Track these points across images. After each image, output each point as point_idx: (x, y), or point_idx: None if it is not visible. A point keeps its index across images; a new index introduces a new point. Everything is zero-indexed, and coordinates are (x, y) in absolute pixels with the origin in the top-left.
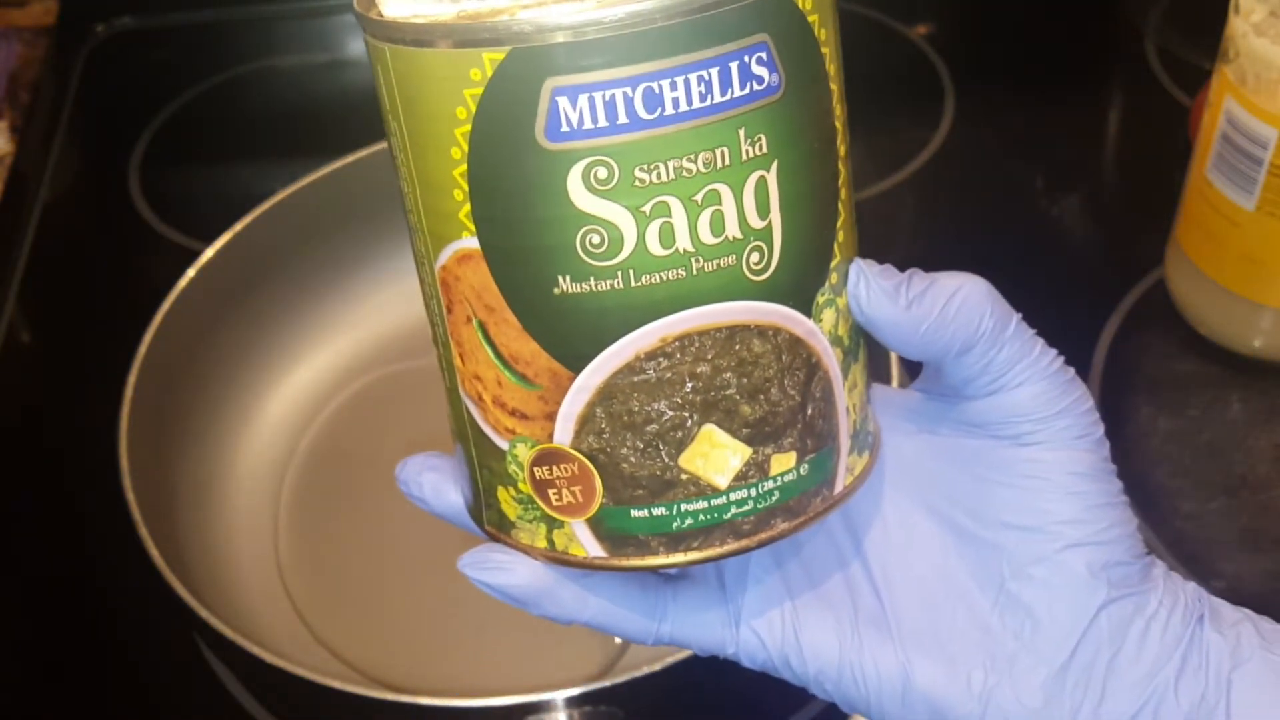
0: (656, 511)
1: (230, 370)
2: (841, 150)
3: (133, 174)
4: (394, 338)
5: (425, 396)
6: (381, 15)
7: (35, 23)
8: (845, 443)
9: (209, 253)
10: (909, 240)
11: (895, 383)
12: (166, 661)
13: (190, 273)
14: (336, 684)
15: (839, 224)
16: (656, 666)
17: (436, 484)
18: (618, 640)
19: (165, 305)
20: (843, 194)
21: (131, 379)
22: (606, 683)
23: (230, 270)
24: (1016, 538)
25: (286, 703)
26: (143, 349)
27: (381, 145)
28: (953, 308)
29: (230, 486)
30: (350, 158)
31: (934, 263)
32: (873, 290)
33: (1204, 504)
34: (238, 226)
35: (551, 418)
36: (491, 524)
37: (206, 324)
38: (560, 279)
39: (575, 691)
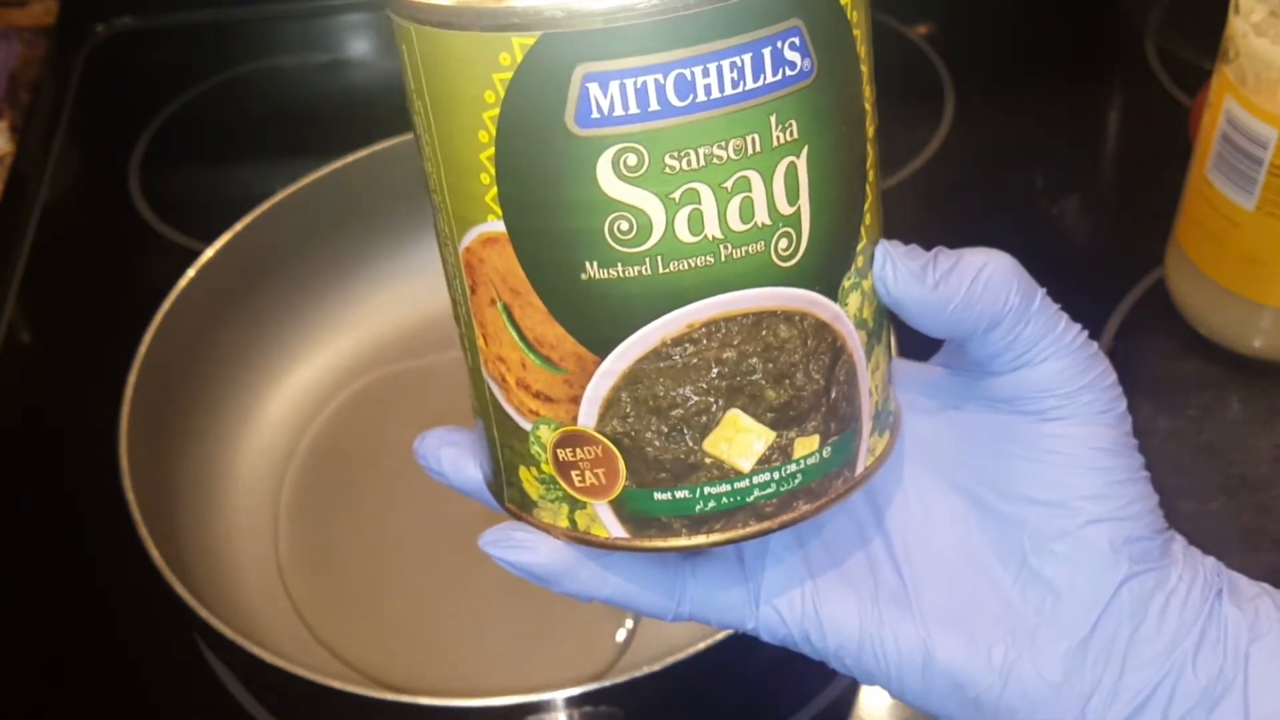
0: (679, 494)
1: (230, 370)
2: (870, 132)
3: (133, 174)
4: (394, 338)
5: (425, 396)
6: None
7: (35, 23)
8: (867, 424)
9: (209, 253)
10: (909, 241)
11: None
12: (166, 661)
13: (190, 273)
14: (336, 684)
15: (866, 207)
16: (656, 666)
17: (456, 459)
18: (618, 639)
19: (165, 305)
20: (870, 176)
21: (131, 379)
22: (606, 683)
23: (230, 270)
24: (1038, 513)
25: (286, 703)
26: (143, 349)
27: (382, 145)
28: (979, 285)
29: (230, 486)
30: (350, 158)
31: None
32: (899, 272)
33: (1204, 504)
34: (238, 226)
35: (576, 401)
36: (512, 502)
37: (206, 324)
38: (588, 264)
39: (575, 691)
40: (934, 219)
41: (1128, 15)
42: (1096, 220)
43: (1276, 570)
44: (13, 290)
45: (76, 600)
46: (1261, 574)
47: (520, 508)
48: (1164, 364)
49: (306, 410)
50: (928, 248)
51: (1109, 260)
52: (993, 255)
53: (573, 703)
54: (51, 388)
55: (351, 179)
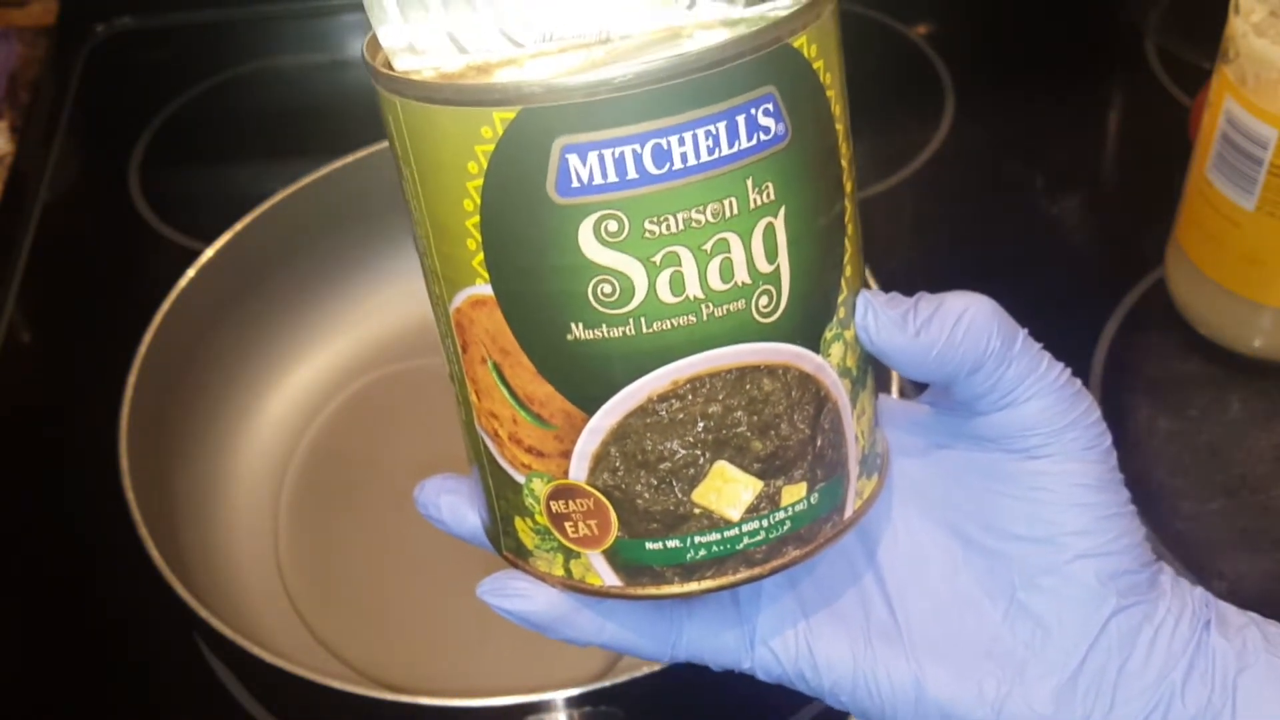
0: (670, 544)
1: (230, 370)
2: (848, 187)
3: (133, 174)
4: (394, 338)
5: (425, 396)
6: (391, 69)
7: (35, 23)
8: (854, 469)
9: (209, 253)
10: (909, 241)
11: (895, 392)
12: (166, 661)
13: (190, 273)
14: (336, 684)
15: (845, 259)
16: (656, 667)
17: (455, 506)
18: None
19: (165, 305)
20: (849, 229)
21: (131, 379)
22: (606, 683)
23: (230, 270)
24: (1026, 549)
25: (286, 703)
26: (143, 349)
27: (382, 145)
28: (960, 330)
29: (230, 486)
30: (350, 158)
31: (933, 264)
32: (881, 321)
33: (1204, 504)
34: (238, 226)
35: (567, 455)
36: (509, 550)
37: (206, 324)
38: (573, 325)
39: (575, 691)
40: (934, 219)
41: (1128, 15)
42: (1097, 220)
43: (1276, 571)
44: (13, 290)
45: (76, 600)
46: (1261, 575)
47: (517, 555)
48: (1164, 364)
49: (306, 410)
50: (928, 248)
51: (1109, 260)
52: (973, 300)
53: (573, 703)
54: (51, 388)
55: (351, 179)
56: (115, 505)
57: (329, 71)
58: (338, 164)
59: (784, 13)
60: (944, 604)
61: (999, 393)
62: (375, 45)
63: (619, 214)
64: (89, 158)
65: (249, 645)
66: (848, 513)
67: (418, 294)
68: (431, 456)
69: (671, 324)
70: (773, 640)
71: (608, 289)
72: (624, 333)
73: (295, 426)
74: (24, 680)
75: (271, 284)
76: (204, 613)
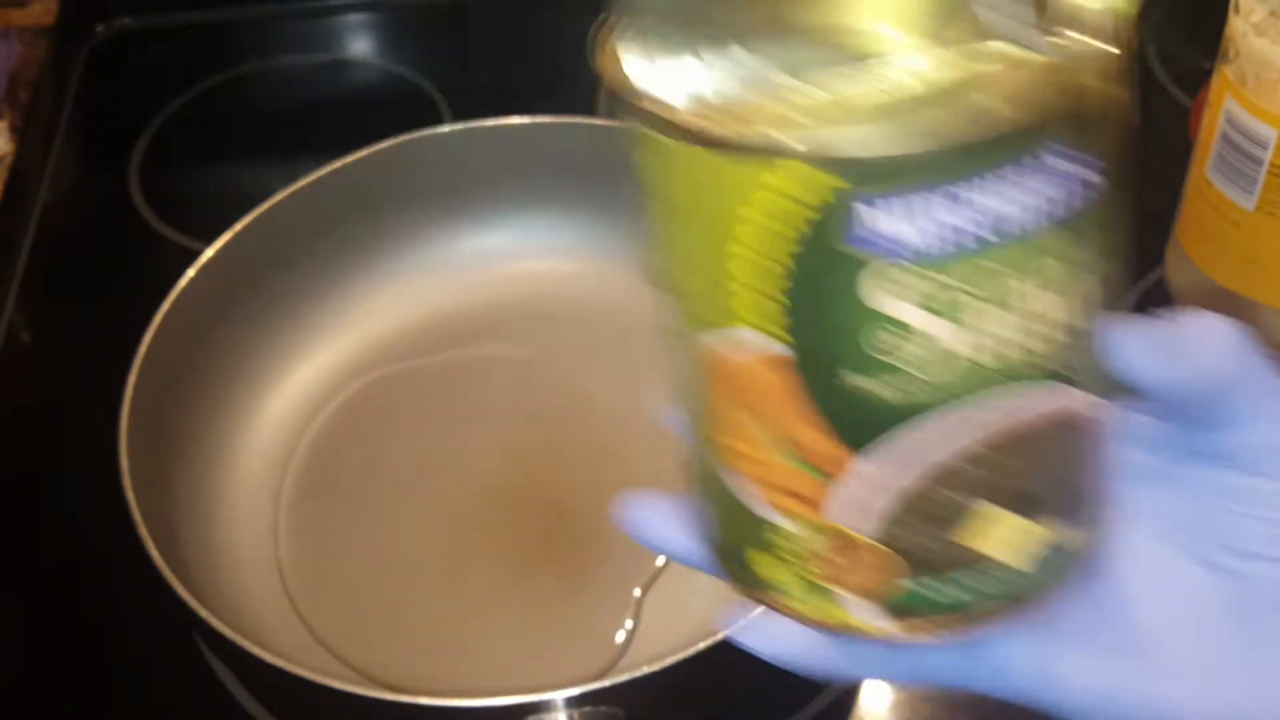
0: (939, 588)
1: (230, 370)
2: (1120, 219)
3: (133, 174)
4: (394, 338)
5: (425, 396)
6: (667, 113)
7: (35, 23)
8: (1108, 498)
9: (209, 253)
10: None
11: None
12: (166, 661)
13: (190, 273)
14: (336, 684)
15: (1110, 295)
16: (656, 666)
17: (668, 529)
18: (618, 640)
19: (165, 305)
20: (1115, 262)
21: (131, 379)
22: (606, 683)
23: (230, 270)
24: (1267, 569)
25: (286, 703)
26: (143, 349)
27: (382, 145)
28: (1204, 356)
29: (230, 486)
30: (350, 158)
31: None
32: (1128, 349)
33: None
34: (238, 226)
35: (830, 501)
36: (742, 580)
37: (206, 324)
38: (853, 376)
39: (575, 691)
40: None
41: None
42: None
43: None
44: (13, 290)
45: (76, 600)
46: None
47: (753, 588)
48: None
49: (306, 410)
50: None
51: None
52: (1217, 326)
53: (573, 703)
54: (51, 388)
55: (351, 179)
56: (115, 505)
57: (329, 71)
58: (338, 164)
59: (1098, 55)
60: (1185, 626)
61: (1239, 414)
62: (617, 79)
63: (913, 268)
64: (89, 158)
65: (249, 645)
66: (1102, 544)
67: (418, 294)
68: (432, 456)
69: (961, 378)
70: (1011, 667)
71: (892, 341)
72: (906, 386)
73: (295, 426)
74: (24, 680)
75: (271, 284)
76: (204, 613)
